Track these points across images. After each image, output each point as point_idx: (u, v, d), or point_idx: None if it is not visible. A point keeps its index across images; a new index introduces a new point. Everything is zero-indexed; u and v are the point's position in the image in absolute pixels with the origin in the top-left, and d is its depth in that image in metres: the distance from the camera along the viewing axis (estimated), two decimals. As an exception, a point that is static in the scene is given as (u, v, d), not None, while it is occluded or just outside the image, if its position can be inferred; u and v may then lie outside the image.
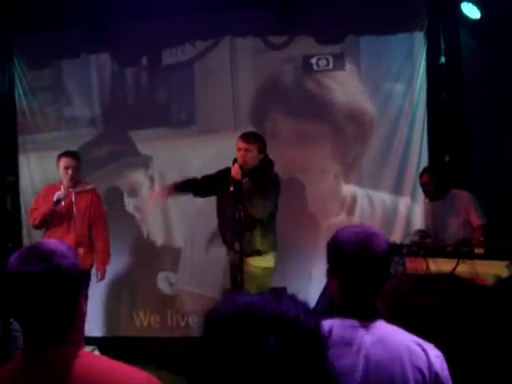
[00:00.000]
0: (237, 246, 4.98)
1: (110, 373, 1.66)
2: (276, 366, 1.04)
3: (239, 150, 5.15)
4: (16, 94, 7.04)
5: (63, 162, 5.74)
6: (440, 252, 4.83)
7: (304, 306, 1.12)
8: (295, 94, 6.35)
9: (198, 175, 5.64)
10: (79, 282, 1.73)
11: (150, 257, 6.67)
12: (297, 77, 6.37)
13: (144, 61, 6.77)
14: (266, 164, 5.28)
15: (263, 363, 1.04)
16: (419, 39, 6.06)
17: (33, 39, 6.91)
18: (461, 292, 4.44)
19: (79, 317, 1.74)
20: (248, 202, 4.97)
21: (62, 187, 5.78)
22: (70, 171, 5.72)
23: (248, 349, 1.04)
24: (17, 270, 1.65)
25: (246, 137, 5.22)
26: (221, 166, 5.38)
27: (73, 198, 5.79)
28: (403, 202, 6.14)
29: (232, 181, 5.01)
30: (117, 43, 6.69)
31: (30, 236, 6.91)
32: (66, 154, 5.83)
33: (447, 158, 5.90)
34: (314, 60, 6.28)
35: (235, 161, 5.17)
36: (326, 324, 1.86)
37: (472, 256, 4.70)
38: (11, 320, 6.29)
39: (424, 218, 5.90)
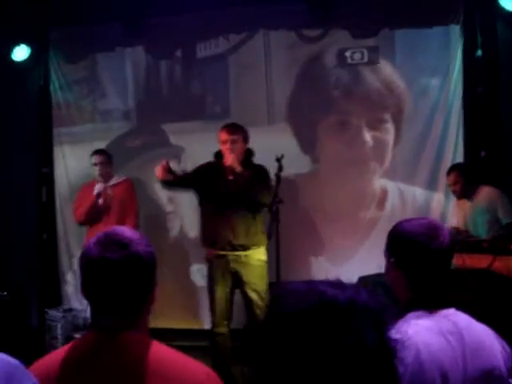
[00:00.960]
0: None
1: (176, 364, 1.71)
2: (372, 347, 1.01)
3: (224, 142, 5.03)
4: (51, 87, 7.13)
5: (93, 159, 6.03)
6: (476, 248, 4.78)
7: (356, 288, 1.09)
8: (329, 88, 6.32)
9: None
10: (155, 269, 1.80)
11: (182, 249, 6.70)
12: (331, 70, 6.34)
13: (178, 54, 6.79)
14: (250, 154, 5.18)
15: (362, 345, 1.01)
16: (455, 32, 5.99)
17: (69, 32, 6.99)
18: (496, 287, 4.40)
19: (150, 304, 1.80)
20: (253, 190, 4.92)
21: (98, 183, 5.97)
22: (98, 167, 5.98)
23: (345, 333, 1.01)
24: (99, 256, 1.71)
25: (230, 127, 5.10)
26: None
27: (109, 192, 5.96)
28: (437, 198, 6.07)
29: (229, 170, 4.96)
30: (151, 36, 6.70)
31: (65, 227, 7.01)
32: (95, 151, 6.10)
33: (483, 154, 5.82)
34: (348, 53, 6.25)
35: (217, 155, 5.12)
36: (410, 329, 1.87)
37: (508, 252, 4.65)
38: (46, 310, 6.39)
39: (455, 216, 5.80)
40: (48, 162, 7.14)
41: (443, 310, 2.00)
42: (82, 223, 6.13)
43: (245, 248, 5.02)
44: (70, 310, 6.50)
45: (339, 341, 1.00)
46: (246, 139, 5.12)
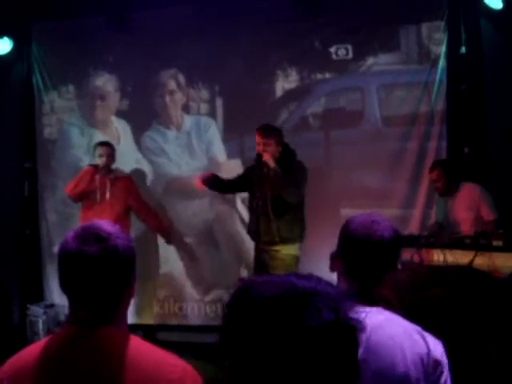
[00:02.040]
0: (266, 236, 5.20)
1: (153, 359, 1.70)
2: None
3: (258, 143, 5.23)
4: (34, 81, 7.07)
5: (99, 150, 6.03)
6: (458, 244, 4.78)
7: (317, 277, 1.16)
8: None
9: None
10: (133, 263, 1.79)
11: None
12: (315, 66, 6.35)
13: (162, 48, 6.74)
14: (288, 154, 5.32)
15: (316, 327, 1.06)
16: (440, 29, 5.99)
17: (52, 26, 6.95)
18: (478, 284, 4.41)
19: (128, 298, 1.80)
20: (279, 187, 5.10)
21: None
22: (105, 159, 5.98)
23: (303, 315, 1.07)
24: (76, 250, 1.71)
25: (263, 131, 5.26)
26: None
27: (107, 184, 5.96)
28: (421, 194, 6.09)
29: (265, 166, 5.15)
30: (135, 31, 6.65)
31: (48, 223, 6.96)
32: (102, 143, 6.15)
33: (466, 150, 5.83)
34: (333, 49, 6.24)
35: (258, 155, 5.27)
36: None
37: (490, 248, 4.65)
38: (28, 306, 6.35)
39: (436, 213, 5.80)
40: (30, 156, 7.08)
41: (369, 307, 1.96)
42: (68, 195, 6.06)
43: (274, 243, 5.21)
44: (52, 305, 6.47)
45: (299, 321, 1.06)
46: (279, 142, 5.26)
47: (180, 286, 6.67)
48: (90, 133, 6.93)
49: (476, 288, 4.38)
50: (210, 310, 6.57)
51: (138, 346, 1.73)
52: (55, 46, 6.98)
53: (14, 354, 1.81)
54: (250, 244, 5.75)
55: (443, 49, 5.98)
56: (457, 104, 5.92)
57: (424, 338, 1.95)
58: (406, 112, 6.11)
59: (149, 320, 6.68)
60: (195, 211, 6.60)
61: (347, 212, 6.01)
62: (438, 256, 4.75)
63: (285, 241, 5.23)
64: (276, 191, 5.12)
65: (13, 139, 7.00)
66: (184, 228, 6.65)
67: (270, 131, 5.28)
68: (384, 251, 2.06)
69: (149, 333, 6.41)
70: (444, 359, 1.95)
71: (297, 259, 5.31)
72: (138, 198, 6.18)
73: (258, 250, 5.37)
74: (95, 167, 5.96)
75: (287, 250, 5.25)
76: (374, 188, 6.15)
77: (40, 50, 7.04)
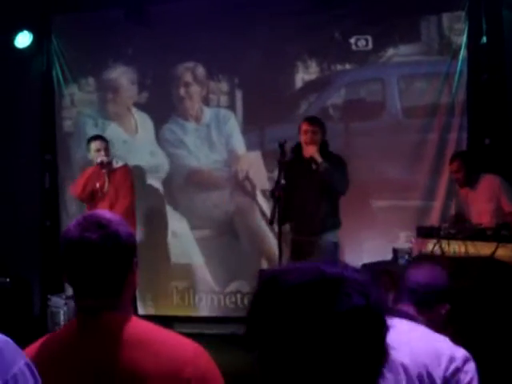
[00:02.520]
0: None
1: (163, 341, 1.71)
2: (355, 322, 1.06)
3: (305, 132, 5.30)
4: (54, 74, 7.11)
5: (95, 145, 5.90)
6: (479, 235, 4.75)
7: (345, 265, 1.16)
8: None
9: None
10: (134, 250, 1.81)
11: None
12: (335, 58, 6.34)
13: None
14: (326, 145, 5.41)
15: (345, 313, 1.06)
16: (460, 19, 5.94)
17: (71, 19, 6.98)
18: (499, 275, 4.38)
19: (130, 284, 1.81)
20: (331, 182, 5.20)
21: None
22: (103, 153, 5.86)
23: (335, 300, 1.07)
24: (79, 237, 1.72)
25: (311, 119, 5.41)
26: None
27: (106, 178, 5.89)
28: (442, 186, 6.06)
29: (311, 161, 5.23)
30: (154, 23, 6.66)
31: (68, 214, 7.01)
32: (95, 137, 6.04)
33: (487, 141, 5.79)
34: (352, 40, 6.22)
35: (297, 149, 5.34)
36: None
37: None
38: (49, 296, 6.40)
39: (457, 204, 5.76)
40: (51, 149, 7.12)
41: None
42: (78, 196, 6.01)
43: (317, 232, 5.28)
44: (73, 296, 6.50)
45: (329, 306, 1.06)
46: (324, 132, 5.39)
47: (199, 277, 6.70)
48: (104, 124, 6.96)
49: (497, 279, 4.36)
50: (230, 302, 6.59)
51: (148, 328, 1.75)
52: (75, 38, 7.01)
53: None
54: (270, 236, 5.75)
55: (464, 39, 5.93)
56: (478, 95, 5.88)
57: (446, 355, 1.94)
58: (427, 103, 6.09)
59: (166, 311, 6.72)
60: (216, 203, 6.62)
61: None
62: (459, 248, 4.73)
63: (327, 229, 5.32)
64: (327, 185, 5.21)
65: (33, 132, 7.05)
66: (204, 220, 6.67)
67: (317, 119, 5.45)
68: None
69: (167, 324, 6.44)
70: (466, 369, 1.93)
71: (337, 246, 5.43)
72: (125, 186, 5.98)
73: (295, 241, 5.43)
74: (100, 165, 5.80)
75: (330, 238, 5.35)
76: (394, 179, 6.14)
77: (60, 43, 7.07)
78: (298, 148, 5.39)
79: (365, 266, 5.01)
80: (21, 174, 6.97)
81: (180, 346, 1.71)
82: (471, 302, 3.94)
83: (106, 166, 5.84)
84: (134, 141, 6.46)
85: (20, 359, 1.28)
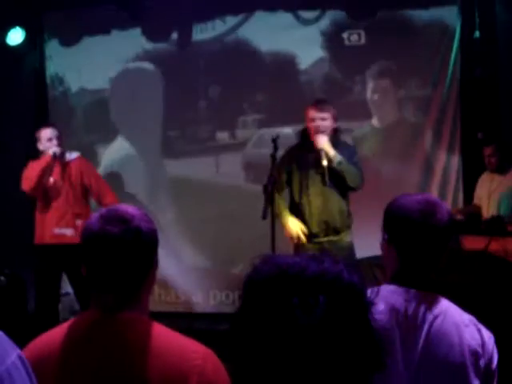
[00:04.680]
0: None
1: (174, 345, 1.70)
2: (323, 324, 1.01)
3: (312, 119, 4.61)
4: (47, 71, 7.08)
5: (46, 133, 5.32)
6: (472, 229, 4.76)
7: (345, 264, 1.08)
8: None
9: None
10: (156, 246, 1.79)
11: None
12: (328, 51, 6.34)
13: (174, 36, 6.76)
14: (338, 132, 4.77)
15: (310, 323, 1.00)
16: (453, 13, 5.94)
17: (64, 16, 6.95)
18: (492, 269, 4.39)
19: (150, 283, 1.80)
20: (346, 177, 4.61)
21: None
22: (55, 142, 5.29)
23: (294, 308, 1.01)
24: (100, 229, 1.71)
25: (320, 105, 4.65)
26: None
27: (60, 170, 5.33)
28: (435, 182, 6.08)
29: (323, 154, 4.54)
30: (147, 19, 6.65)
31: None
32: (46, 124, 5.59)
33: (480, 135, 5.80)
34: (345, 35, 6.21)
35: (303, 134, 4.76)
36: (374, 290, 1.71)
37: (505, 233, 4.63)
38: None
39: (478, 190, 5.67)
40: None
41: (424, 293, 1.94)
42: (31, 190, 5.29)
43: (333, 233, 4.75)
44: (67, 294, 6.49)
45: (288, 313, 1.01)
46: (334, 117, 4.67)
47: (201, 274, 6.70)
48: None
49: (490, 273, 4.36)
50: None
51: (160, 332, 1.73)
52: (67, 35, 6.97)
53: (29, 341, 1.81)
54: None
55: (457, 33, 5.93)
56: (471, 89, 5.88)
57: (480, 331, 1.92)
58: (420, 97, 6.10)
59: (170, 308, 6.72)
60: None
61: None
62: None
63: (343, 229, 4.78)
64: (343, 180, 4.63)
65: (26, 129, 7.01)
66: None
67: (326, 104, 4.69)
68: (441, 235, 1.95)
69: (172, 320, 6.43)
70: (495, 353, 1.92)
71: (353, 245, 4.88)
72: (96, 175, 5.59)
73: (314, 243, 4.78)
74: (53, 155, 5.17)
75: (346, 237, 4.81)
76: (385, 175, 6.12)
77: (52, 40, 7.04)
78: (304, 133, 4.76)
79: (360, 261, 5.01)
80: (14, 171, 6.93)
81: (189, 353, 1.69)
82: (465, 297, 3.94)
83: (60, 156, 5.23)
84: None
85: (12, 351, 1.27)
